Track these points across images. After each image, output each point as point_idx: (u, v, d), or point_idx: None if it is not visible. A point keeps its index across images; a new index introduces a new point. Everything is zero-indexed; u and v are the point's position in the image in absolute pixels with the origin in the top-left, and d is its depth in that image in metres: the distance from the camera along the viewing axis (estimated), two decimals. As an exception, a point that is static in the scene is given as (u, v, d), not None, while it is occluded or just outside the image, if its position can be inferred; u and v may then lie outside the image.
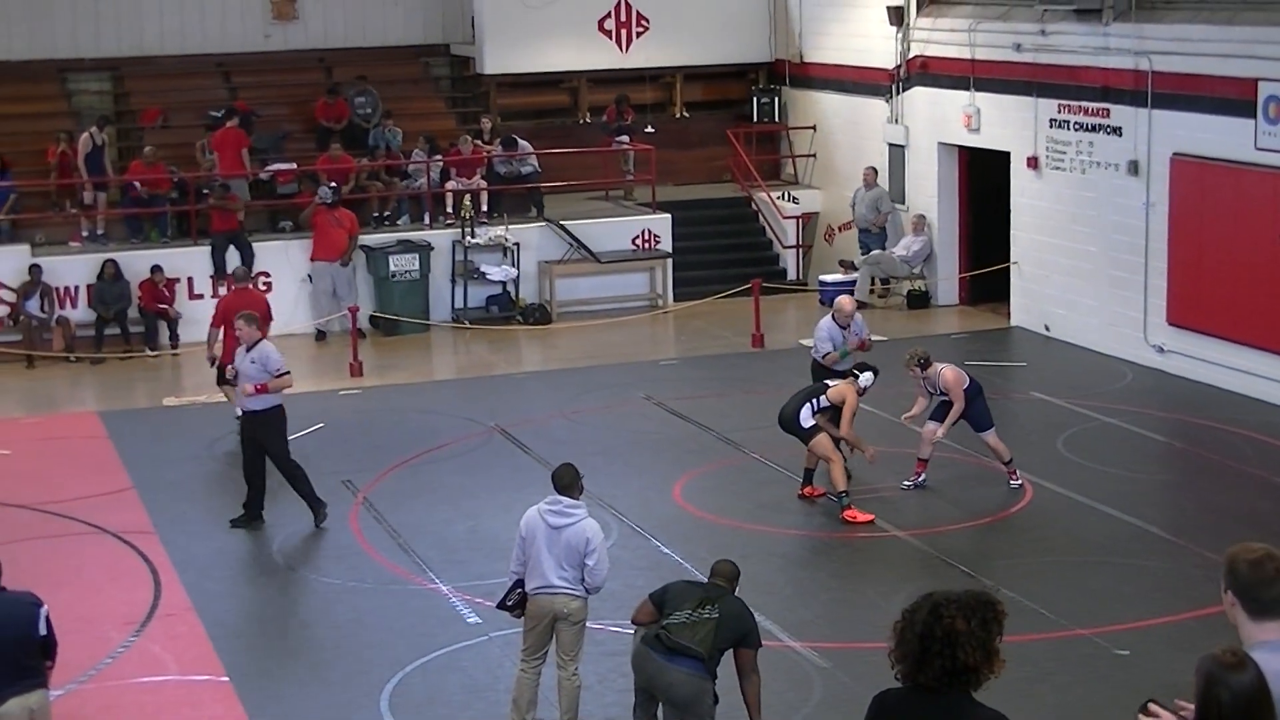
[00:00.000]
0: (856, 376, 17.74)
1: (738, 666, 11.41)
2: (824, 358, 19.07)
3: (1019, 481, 17.88)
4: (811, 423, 17.37)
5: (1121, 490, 17.98)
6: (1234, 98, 21.43)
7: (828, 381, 17.82)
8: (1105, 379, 22.73)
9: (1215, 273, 22.06)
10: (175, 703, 13.40)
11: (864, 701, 6.59)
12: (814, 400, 17.47)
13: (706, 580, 11.81)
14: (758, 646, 11.47)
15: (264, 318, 21.40)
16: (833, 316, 19.40)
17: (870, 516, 17.20)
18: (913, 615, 6.34)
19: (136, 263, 26.08)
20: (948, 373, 17.80)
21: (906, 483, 18.15)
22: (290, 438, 17.62)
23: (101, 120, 27.95)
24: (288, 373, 17.23)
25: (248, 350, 17.11)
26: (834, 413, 17.51)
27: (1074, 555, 16.42)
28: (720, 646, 11.25)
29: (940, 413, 17.95)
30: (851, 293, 27.95)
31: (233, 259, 26.72)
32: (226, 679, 13.67)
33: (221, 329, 20.76)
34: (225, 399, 21.52)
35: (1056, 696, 12.82)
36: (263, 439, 17.16)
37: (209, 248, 26.69)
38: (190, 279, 26.54)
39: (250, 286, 22.63)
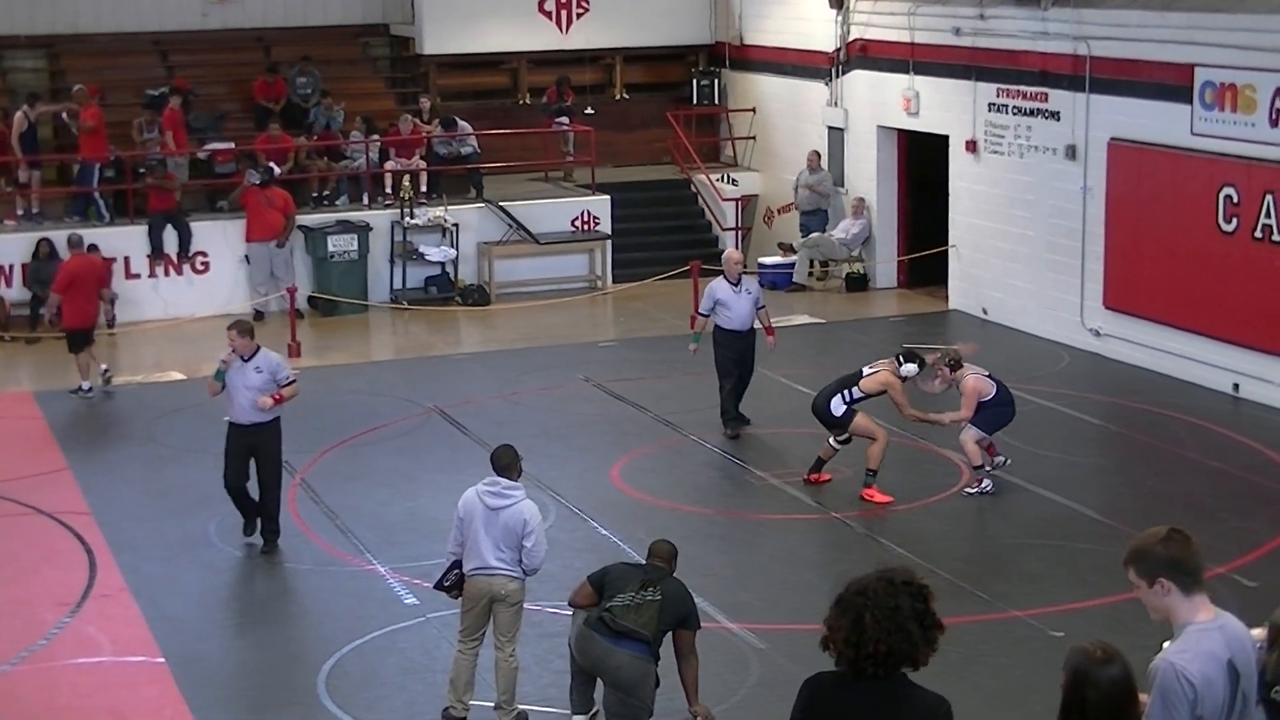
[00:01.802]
0: (900, 363, 17.25)
1: (676, 648, 11.44)
2: (699, 314, 19.60)
3: (976, 490, 17.40)
4: (844, 409, 17.09)
5: (1057, 473, 18.07)
6: (1171, 83, 21.55)
7: (864, 369, 17.37)
8: (1042, 362, 22.85)
9: (1151, 257, 22.20)
10: (110, 684, 13.33)
11: (801, 683, 6.58)
12: (847, 391, 17.15)
13: (645, 562, 11.83)
14: (697, 628, 11.53)
15: (103, 282, 22.67)
16: (724, 275, 19.48)
17: (889, 499, 17.05)
18: (866, 603, 6.29)
19: (73, 242, 25.86)
20: (969, 381, 17.26)
21: (970, 489, 17.47)
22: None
23: (31, 97, 27.66)
24: (295, 379, 16.20)
25: (246, 360, 15.73)
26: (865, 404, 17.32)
27: (1009, 538, 16.52)
28: (663, 628, 11.29)
29: (980, 418, 17.25)
30: (791, 275, 28.25)
31: (170, 239, 26.61)
32: (162, 660, 13.60)
33: (63, 295, 21.77)
34: (80, 373, 21.97)
35: (992, 678, 12.90)
36: (263, 451, 15.98)
37: (146, 227, 26.53)
38: (127, 258, 26.35)
39: (86, 251, 23.00)
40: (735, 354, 19.46)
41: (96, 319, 22.65)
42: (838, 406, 17.16)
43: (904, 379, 17.24)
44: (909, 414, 17.36)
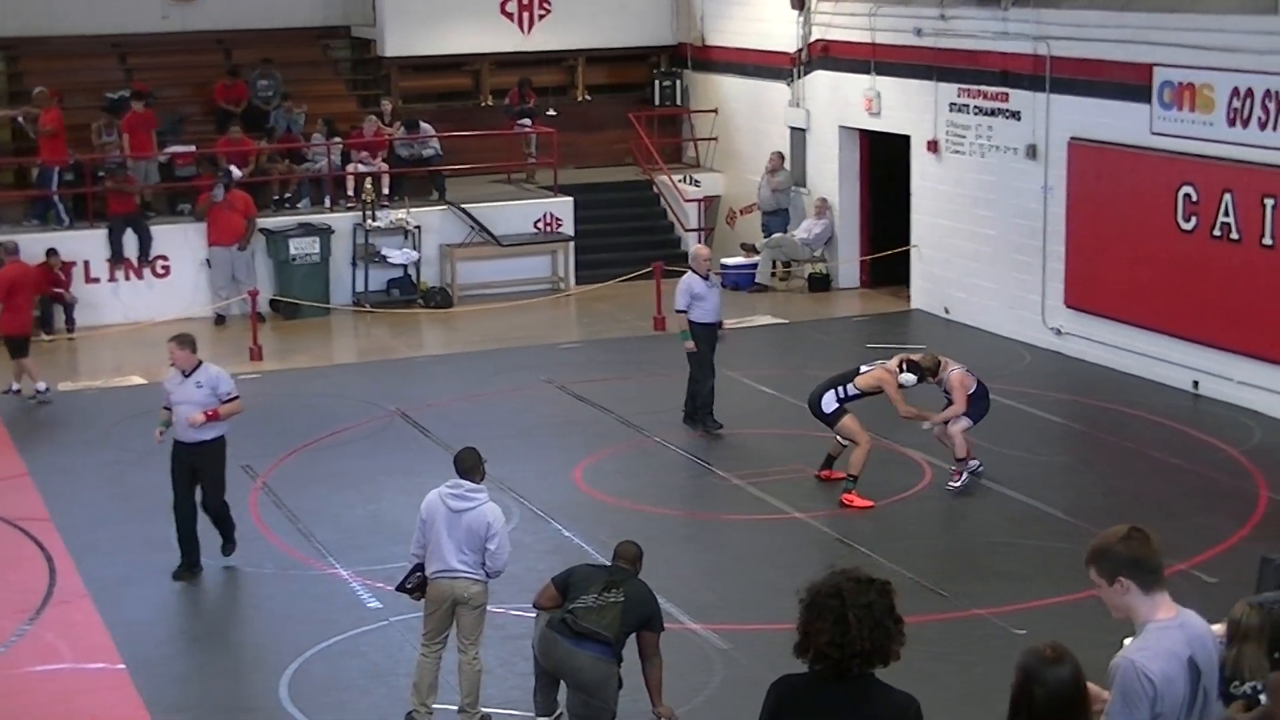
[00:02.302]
0: (901, 369, 17.27)
1: (640, 650, 11.43)
2: (677, 312, 19.66)
3: (959, 483, 17.45)
4: (835, 407, 17.13)
5: (1020, 472, 18.10)
6: (1130, 83, 21.64)
7: (862, 367, 17.49)
8: (1004, 361, 22.88)
9: (1111, 256, 22.28)
10: (71, 691, 13.25)
11: (766, 684, 6.57)
12: (841, 387, 17.21)
13: (609, 563, 11.82)
14: (660, 630, 11.52)
15: (39, 288, 23.26)
16: (690, 267, 19.76)
17: (870, 504, 17.01)
18: (843, 603, 6.29)
19: (32, 246, 25.60)
20: (954, 375, 17.39)
21: (953, 484, 17.50)
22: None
23: None
24: (238, 397, 15.42)
25: (187, 375, 15.06)
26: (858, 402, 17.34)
27: (973, 537, 16.56)
28: (626, 630, 11.28)
29: (967, 411, 17.47)
30: (753, 276, 28.28)
31: (130, 243, 26.49)
32: (123, 667, 13.53)
33: (2, 303, 21.80)
34: (16, 381, 21.98)
35: (955, 676, 12.92)
36: (204, 472, 15.27)
37: (106, 231, 26.41)
38: (87, 263, 26.25)
39: (20, 259, 23.25)
40: (710, 346, 19.84)
41: (33, 325, 22.89)
42: (829, 403, 17.21)
43: (900, 385, 17.28)
44: (905, 411, 17.39)
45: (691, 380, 19.93)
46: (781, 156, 28.91)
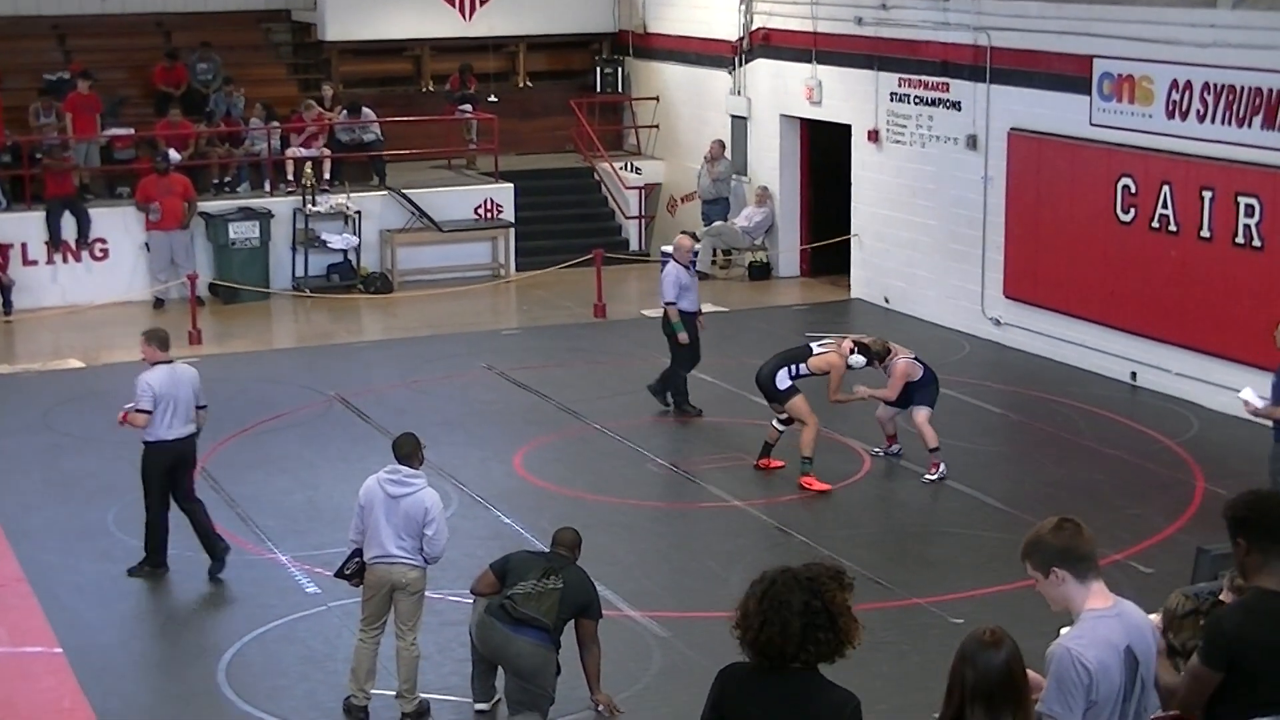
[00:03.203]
0: (851, 351, 17.33)
1: (578, 637, 11.46)
2: (666, 304, 19.67)
3: (935, 475, 17.43)
4: (788, 384, 17.19)
5: (958, 461, 18.15)
6: (1070, 74, 21.75)
7: (811, 346, 17.57)
8: (943, 351, 22.92)
9: (1050, 246, 22.40)
10: (7, 675, 13.17)
11: (704, 671, 6.60)
12: (793, 365, 17.26)
13: (548, 550, 11.83)
14: (599, 617, 11.55)
15: None
16: (673, 257, 19.79)
17: (827, 486, 17.09)
18: (763, 591, 6.31)
19: (-32, 228, 25.59)
20: (899, 364, 17.47)
21: (930, 476, 17.47)
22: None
23: None
24: (142, 410, 14.56)
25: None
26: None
27: (911, 526, 16.64)
28: (564, 617, 11.30)
29: (917, 397, 17.56)
30: (694, 262, 28.26)
31: (69, 225, 26.29)
32: (60, 651, 13.45)
33: None
34: None
35: (892, 665, 12.96)
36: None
37: (44, 213, 26.21)
38: (25, 245, 26.05)
39: None
40: (695, 335, 19.98)
41: None
42: (783, 380, 17.24)
43: (848, 367, 17.37)
44: (836, 398, 17.47)
45: (677, 366, 19.97)
46: (722, 145, 28.94)
